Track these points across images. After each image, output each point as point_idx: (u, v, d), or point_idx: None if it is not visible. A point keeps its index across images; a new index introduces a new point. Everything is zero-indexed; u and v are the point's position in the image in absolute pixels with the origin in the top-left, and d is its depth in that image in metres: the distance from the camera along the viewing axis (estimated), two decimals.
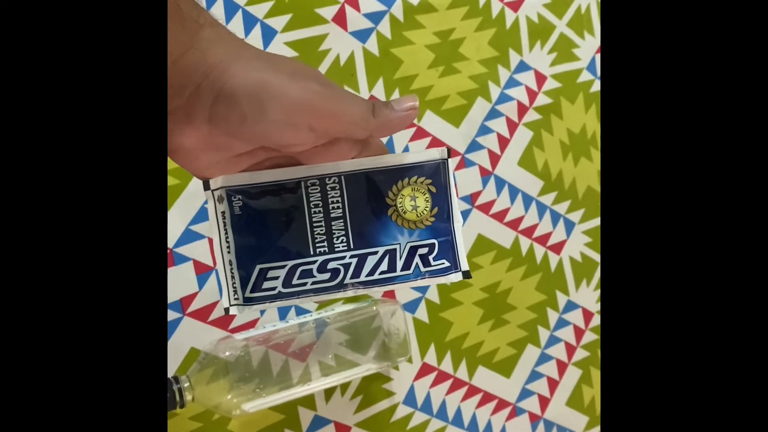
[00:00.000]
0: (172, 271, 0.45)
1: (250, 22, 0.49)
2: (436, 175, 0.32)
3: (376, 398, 0.49)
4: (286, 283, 0.31)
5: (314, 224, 0.31)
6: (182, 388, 0.40)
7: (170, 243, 0.45)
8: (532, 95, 0.59)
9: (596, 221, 0.61)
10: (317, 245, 0.31)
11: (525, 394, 0.55)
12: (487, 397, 0.54)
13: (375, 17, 0.53)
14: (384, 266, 0.31)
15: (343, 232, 0.31)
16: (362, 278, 0.31)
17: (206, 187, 0.30)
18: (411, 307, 0.52)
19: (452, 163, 0.31)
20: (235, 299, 0.31)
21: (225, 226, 0.31)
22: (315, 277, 0.31)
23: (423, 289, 0.52)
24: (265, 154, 0.30)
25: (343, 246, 0.31)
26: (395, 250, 0.31)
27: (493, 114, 0.57)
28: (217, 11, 0.48)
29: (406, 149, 0.53)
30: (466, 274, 0.32)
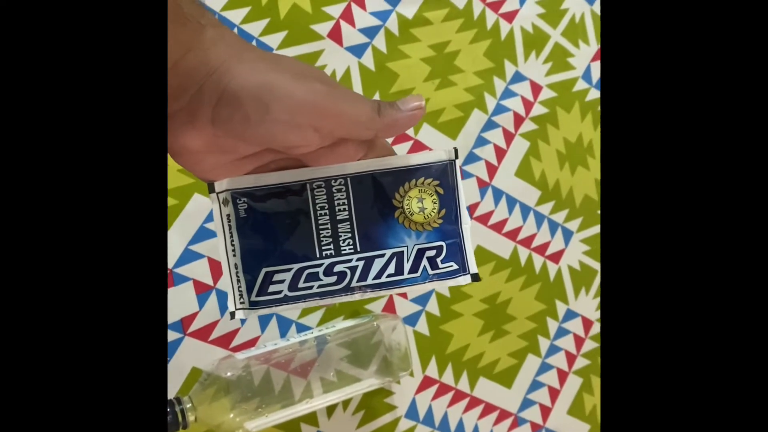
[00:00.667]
0: (172, 291, 0.45)
1: (245, 39, 0.49)
2: (443, 176, 0.31)
3: (378, 413, 0.50)
4: (292, 286, 0.30)
5: (320, 227, 0.31)
6: (185, 408, 0.40)
7: (170, 263, 0.45)
8: (528, 105, 0.59)
9: (594, 230, 0.61)
10: (323, 248, 0.31)
11: (526, 404, 0.56)
12: (489, 408, 0.54)
13: (370, 32, 0.53)
14: (391, 269, 0.31)
15: (350, 235, 0.31)
16: (369, 281, 0.31)
17: (211, 189, 0.30)
18: (411, 320, 0.52)
19: (460, 163, 0.31)
20: (241, 303, 0.30)
21: (230, 229, 0.30)
22: (321, 280, 0.30)
23: (423, 302, 0.53)
24: (270, 156, 0.29)
25: (349, 249, 0.31)
26: (402, 252, 0.31)
27: (490, 125, 0.57)
28: None
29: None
30: (475, 277, 0.31)
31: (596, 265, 0.60)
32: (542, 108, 0.59)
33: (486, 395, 0.54)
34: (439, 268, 0.31)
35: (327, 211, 0.31)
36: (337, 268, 0.31)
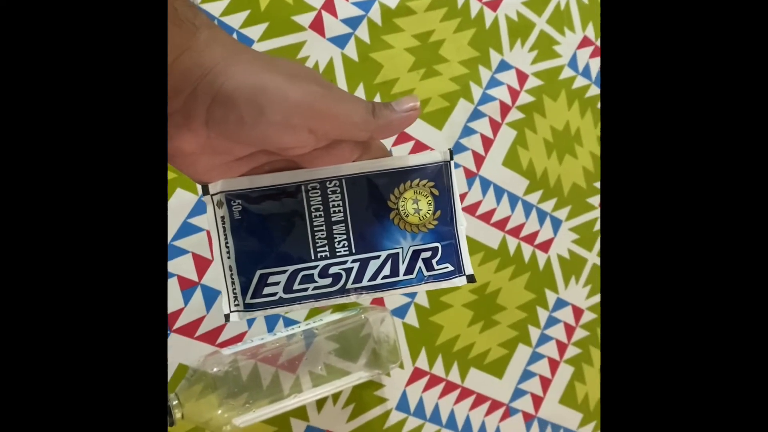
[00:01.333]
0: None
1: (226, 32, 0.48)
2: (438, 178, 0.31)
3: (369, 405, 0.49)
4: (287, 288, 0.30)
5: (315, 228, 0.31)
6: (171, 405, 0.40)
7: None
8: (514, 94, 0.58)
9: (583, 218, 0.61)
10: (318, 250, 0.31)
11: (518, 393, 0.55)
12: (480, 399, 0.54)
13: (353, 22, 0.53)
14: (386, 271, 0.31)
15: (345, 237, 0.31)
16: (364, 283, 0.31)
17: (205, 191, 0.30)
18: (400, 312, 0.51)
19: (456, 169, 0.31)
20: (236, 305, 0.30)
21: (225, 231, 0.30)
22: (316, 282, 0.30)
23: (412, 294, 0.52)
24: (265, 157, 0.29)
25: (344, 250, 0.31)
26: (398, 254, 0.31)
27: (476, 115, 0.57)
28: None
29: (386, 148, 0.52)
30: (471, 278, 0.31)
31: (586, 254, 0.60)
32: (529, 96, 0.59)
33: (477, 386, 0.53)
34: (434, 270, 0.31)
35: (322, 213, 0.31)
36: (333, 270, 0.31)
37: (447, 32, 0.56)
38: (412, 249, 0.31)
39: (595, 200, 0.61)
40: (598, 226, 0.61)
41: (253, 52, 0.27)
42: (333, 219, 0.31)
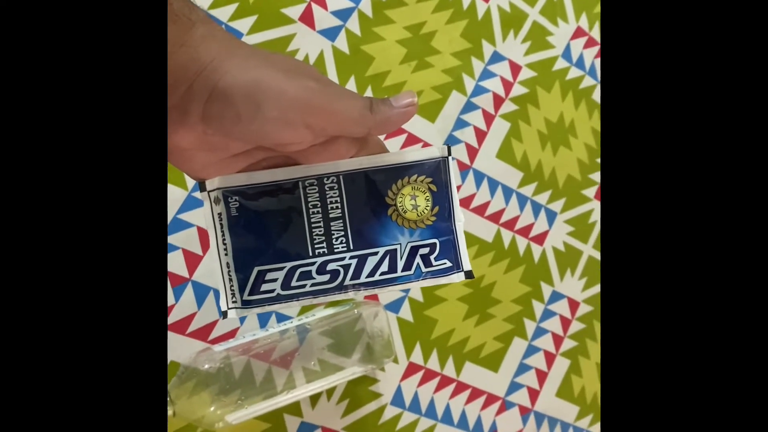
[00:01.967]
0: None
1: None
2: (436, 174, 0.31)
3: (363, 401, 0.49)
4: (285, 285, 0.30)
5: (313, 225, 0.30)
6: None
7: None
8: (507, 86, 0.58)
9: (578, 210, 0.60)
10: (316, 246, 0.30)
11: (514, 387, 0.55)
12: (476, 393, 0.53)
13: (343, 14, 0.52)
14: (384, 267, 0.31)
15: (343, 233, 0.31)
16: (362, 279, 0.31)
17: (202, 188, 0.30)
18: (395, 306, 0.51)
19: (453, 160, 0.31)
20: (233, 302, 0.30)
21: (222, 227, 0.30)
22: (314, 278, 0.30)
23: (406, 288, 0.52)
24: (262, 154, 0.29)
25: (342, 247, 0.31)
26: (396, 250, 0.31)
27: (469, 107, 0.56)
28: None
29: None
30: (469, 274, 0.31)
31: (581, 246, 0.60)
32: (522, 88, 0.58)
33: (472, 380, 0.53)
34: (432, 266, 0.31)
35: (319, 209, 0.30)
36: (330, 267, 0.30)
37: (439, 24, 0.56)
38: (410, 245, 0.31)
39: (590, 192, 0.61)
40: (593, 218, 0.61)
41: (250, 48, 0.27)
42: (331, 215, 0.31)
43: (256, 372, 0.43)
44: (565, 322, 0.58)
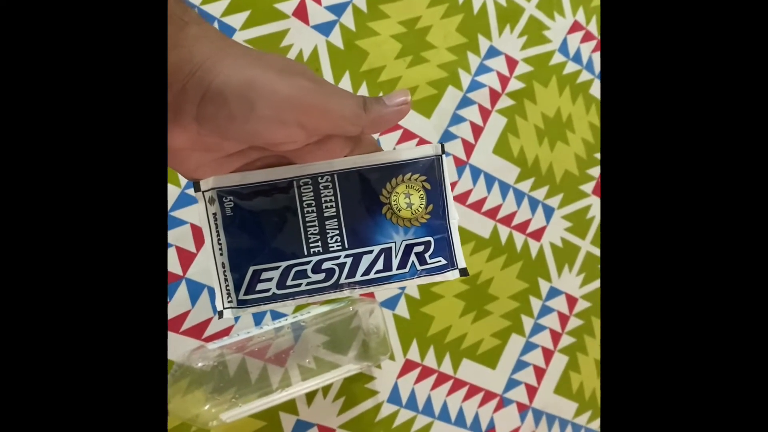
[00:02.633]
0: None
1: (207, 20, 0.47)
2: (430, 172, 0.31)
3: (360, 398, 0.49)
4: (281, 284, 0.30)
5: (307, 224, 0.30)
6: None
7: None
8: (503, 81, 0.57)
9: (576, 205, 0.60)
10: (311, 245, 0.31)
11: (512, 384, 0.55)
12: (473, 390, 0.53)
13: (337, 9, 0.52)
14: (379, 265, 0.31)
15: (337, 232, 0.31)
16: (358, 278, 0.31)
17: (197, 188, 0.30)
18: (391, 303, 0.51)
19: (447, 158, 0.30)
20: (229, 302, 0.30)
21: (217, 227, 0.30)
22: (309, 277, 0.30)
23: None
24: (257, 153, 0.29)
25: (337, 246, 0.31)
26: (390, 248, 0.31)
27: (465, 102, 0.56)
28: None
29: (378, 143, 0.52)
30: (464, 272, 0.31)
31: (579, 242, 0.60)
32: (518, 83, 0.58)
33: (470, 377, 0.53)
34: (427, 264, 0.31)
35: (314, 209, 0.30)
36: (326, 265, 0.31)
37: (434, 18, 0.55)
38: (404, 243, 0.31)
39: (588, 187, 0.61)
40: (591, 214, 0.60)
41: (243, 48, 0.27)
42: (325, 214, 0.31)
43: (250, 370, 0.42)
44: (563, 319, 0.58)
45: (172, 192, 0.45)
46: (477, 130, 0.56)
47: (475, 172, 0.55)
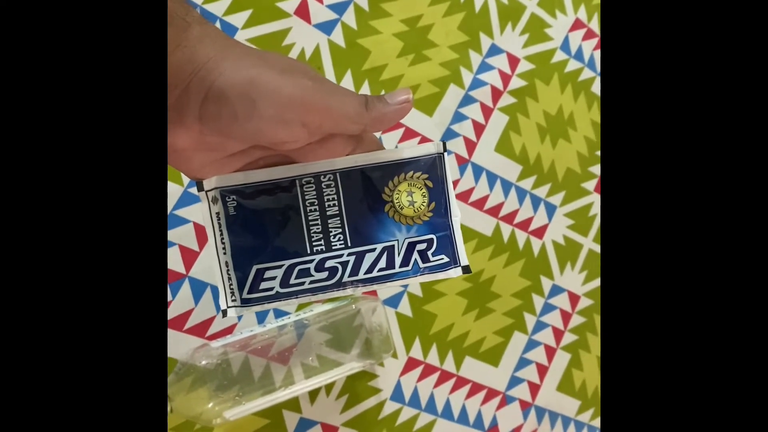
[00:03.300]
0: None
1: (209, 20, 0.47)
2: (432, 170, 0.31)
3: (363, 396, 0.49)
4: (284, 283, 0.30)
5: (310, 223, 0.31)
6: None
7: None
8: (505, 79, 0.57)
9: (578, 203, 0.60)
10: (314, 244, 0.31)
11: (514, 381, 0.55)
12: (476, 388, 0.53)
13: (339, 8, 0.52)
14: (382, 263, 0.31)
15: (340, 230, 0.31)
16: (361, 276, 0.31)
17: (200, 188, 0.30)
18: (393, 301, 0.51)
19: (449, 156, 0.30)
20: (233, 301, 0.30)
21: (220, 227, 0.30)
22: (313, 276, 0.31)
23: None
24: (259, 153, 0.29)
25: (340, 244, 0.31)
26: (393, 246, 0.31)
27: (467, 100, 0.56)
28: None
29: (380, 141, 0.52)
30: (466, 269, 0.31)
31: (581, 239, 0.60)
32: (520, 81, 0.58)
33: (473, 374, 0.53)
34: (430, 261, 0.31)
35: (317, 207, 0.31)
36: (329, 264, 0.31)
37: (436, 16, 0.55)
38: (407, 241, 0.31)
39: (590, 185, 0.61)
40: (593, 212, 0.60)
41: (245, 47, 0.27)
42: (328, 213, 0.31)
43: (254, 368, 0.42)
44: (566, 316, 0.58)
45: (175, 191, 0.45)
46: (479, 128, 0.56)
47: (477, 170, 0.55)
